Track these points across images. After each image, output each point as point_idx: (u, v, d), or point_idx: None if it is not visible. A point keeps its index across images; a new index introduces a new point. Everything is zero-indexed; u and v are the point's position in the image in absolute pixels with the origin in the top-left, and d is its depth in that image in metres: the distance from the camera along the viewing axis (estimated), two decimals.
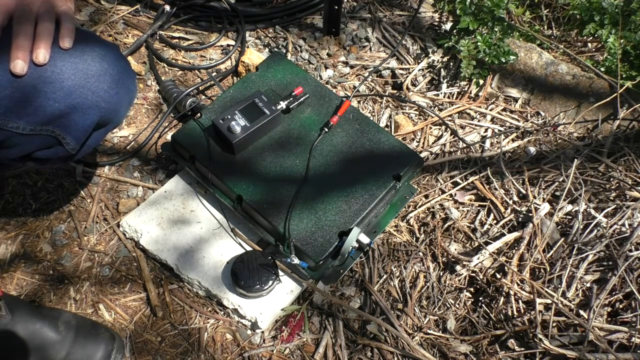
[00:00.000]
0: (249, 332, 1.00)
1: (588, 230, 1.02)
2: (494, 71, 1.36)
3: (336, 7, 1.37)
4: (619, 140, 1.21)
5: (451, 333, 0.99)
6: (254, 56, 1.32)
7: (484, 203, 1.15)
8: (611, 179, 1.12)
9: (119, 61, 0.80)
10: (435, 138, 1.28)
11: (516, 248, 1.04)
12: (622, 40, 1.30)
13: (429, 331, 0.99)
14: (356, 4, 1.56)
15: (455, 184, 1.19)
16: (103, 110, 0.79)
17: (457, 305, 1.02)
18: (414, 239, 1.11)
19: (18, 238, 1.07)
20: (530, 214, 1.07)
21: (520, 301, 0.98)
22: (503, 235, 1.07)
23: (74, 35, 0.76)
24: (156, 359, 0.96)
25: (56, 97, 0.74)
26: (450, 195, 1.17)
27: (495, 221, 1.12)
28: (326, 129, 1.09)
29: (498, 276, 1.01)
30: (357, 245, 0.99)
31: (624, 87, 1.23)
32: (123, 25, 1.43)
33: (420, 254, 1.09)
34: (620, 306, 0.94)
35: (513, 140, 1.27)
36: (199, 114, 1.13)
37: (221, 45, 1.43)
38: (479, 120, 1.31)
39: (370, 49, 1.46)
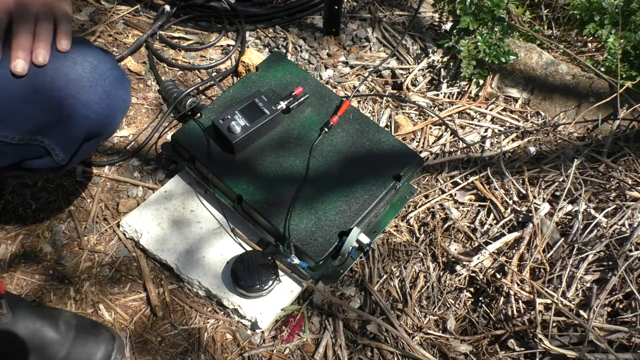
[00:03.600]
0: (249, 332, 1.00)
1: (588, 230, 1.02)
2: (494, 71, 1.36)
3: (336, 7, 1.37)
4: (619, 140, 1.21)
5: (451, 333, 0.99)
6: (254, 56, 1.32)
7: (484, 203, 1.15)
8: (611, 179, 1.12)
9: (112, 71, 0.78)
10: (435, 138, 1.28)
11: (516, 248, 1.04)
12: (622, 40, 1.30)
13: (429, 331, 0.99)
14: (356, 4, 1.56)
15: (455, 184, 1.19)
16: (94, 122, 0.77)
17: (457, 305, 1.02)
18: (414, 239, 1.11)
19: (18, 238, 1.07)
20: (530, 214, 1.07)
21: (520, 301, 0.98)
22: (503, 235, 1.07)
23: (71, 38, 0.75)
24: (156, 359, 0.96)
25: (46, 107, 0.73)
26: (450, 195, 1.17)
27: (495, 221, 1.12)
28: (326, 129, 1.09)
29: (498, 276, 1.01)
30: (357, 245, 0.99)
31: (624, 87, 1.23)
32: (123, 25, 1.43)
33: (420, 254, 1.09)
34: (620, 306, 0.94)
35: (513, 140, 1.27)
36: (199, 114, 1.13)
37: (221, 45, 1.43)
38: (479, 120, 1.31)
39: (370, 49, 1.46)
